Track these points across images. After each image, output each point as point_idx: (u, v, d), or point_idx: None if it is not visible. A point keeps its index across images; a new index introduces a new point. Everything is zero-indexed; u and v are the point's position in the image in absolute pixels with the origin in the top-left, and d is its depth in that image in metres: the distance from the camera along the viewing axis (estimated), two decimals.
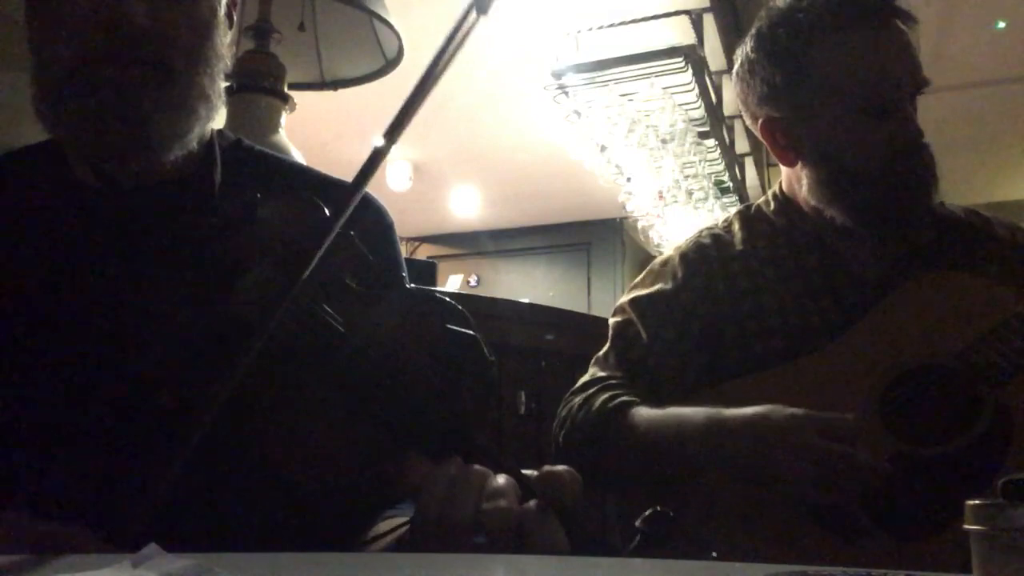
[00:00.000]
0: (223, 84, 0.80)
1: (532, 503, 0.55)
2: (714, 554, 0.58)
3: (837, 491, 0.93)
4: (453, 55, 0.55)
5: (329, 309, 0.58)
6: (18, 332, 0.71)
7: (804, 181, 1.15)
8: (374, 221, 0.87)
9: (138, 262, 0.75)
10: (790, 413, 0.96)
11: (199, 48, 0.76)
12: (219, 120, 0.84)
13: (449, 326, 0.59)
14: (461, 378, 0.59)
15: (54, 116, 0.74)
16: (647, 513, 0.56)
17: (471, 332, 0.60)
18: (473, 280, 6.20)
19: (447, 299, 0.63)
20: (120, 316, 0.70)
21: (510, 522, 0.54)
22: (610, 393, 1.11)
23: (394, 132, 0.57)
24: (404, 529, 0.63)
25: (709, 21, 2.94)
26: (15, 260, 0.74)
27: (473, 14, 0.55)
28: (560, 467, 0.57)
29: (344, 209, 0.57)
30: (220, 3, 0.79)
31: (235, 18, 0.85)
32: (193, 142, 0.78)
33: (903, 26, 1.09)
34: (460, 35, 0.55)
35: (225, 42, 0.80)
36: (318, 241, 0.56)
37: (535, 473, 0.57)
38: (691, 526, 1.02)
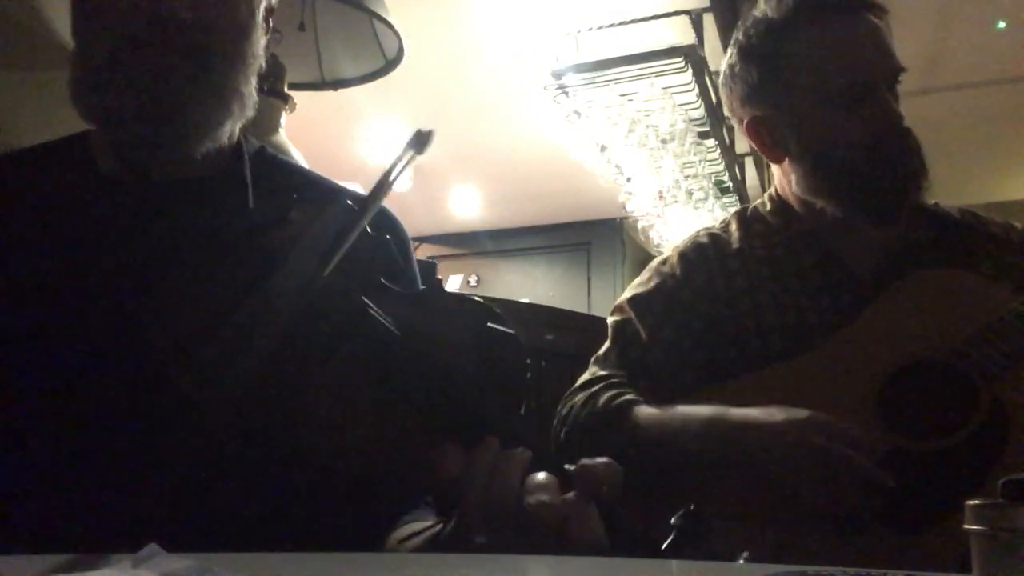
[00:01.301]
0: (255, 86, 0.81)
1: (572, 494, 0.55)
2: (745, 553, 0.58)
3: (836, 493, 0.93)
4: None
5: (372, 310, 0.59)
6: (40, 322, 0.72)
7: (793, 176, 1.17)
8: (389, 233, 0.88)
9: (167, 254, 0.75)
10: (794, 413, 0.96)
11: (237, 45, 0.77)
12: None
13: (490, 324, 0.61)
14: (501, 372, 0.60)
15: (92, 103, 0.75)
16: (682, 511, 0.57)
17: (510, 331, 0.61)
18: (473, 280, 6.20)
19: (484, 300, 0.65)
20: (144, 305, 0.71)
21: (552, 516, 0.54)
22: (613, 391, 1.11)
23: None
24: (436, 529, 0.64)
25: (709, 21, 2.93)
26: (39, 250, 0.75)
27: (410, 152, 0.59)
28: (599, 460, 0.57)
29: (372, 203, 0.59)
30: (259, 6, 0.81)
31: (271, 24, 0.86)
32: (224, 137, 0.79)
33: (873, 17, 1.11)
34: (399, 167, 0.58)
35: (261, 45, 0.82)
36: (350, 229, 0.58)
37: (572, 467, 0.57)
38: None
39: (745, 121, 1.20)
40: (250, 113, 0.81)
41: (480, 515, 0.55)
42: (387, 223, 0.88)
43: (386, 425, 0.57)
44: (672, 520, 0.56)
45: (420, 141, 0.60)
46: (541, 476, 0.56)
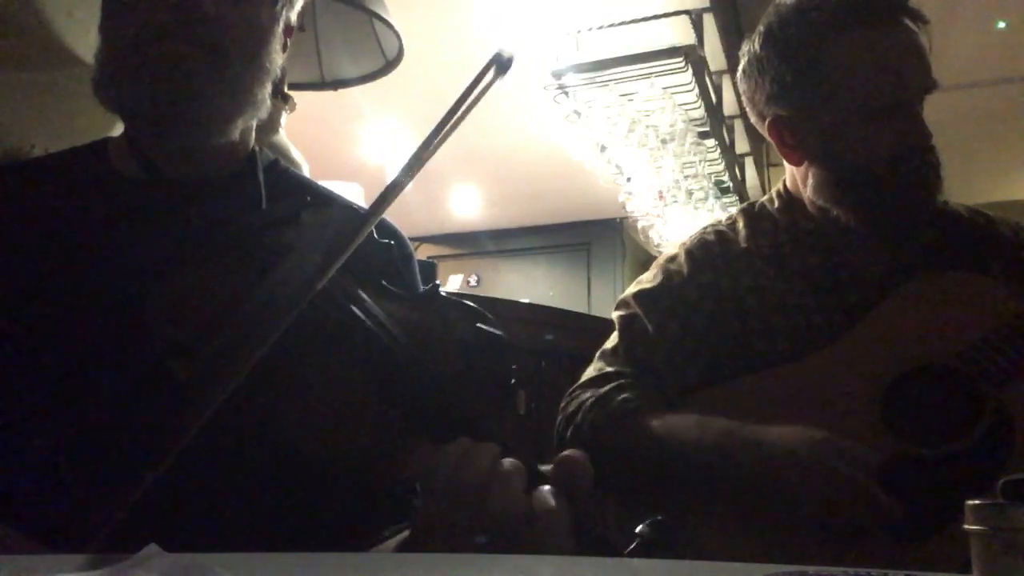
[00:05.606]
0: (268, 93, 0.84)
1: (544, 488, 0.54)
2: (658, 517, 0.57)
3: (845, 515, 0.92)
4: (471, 107, 0.59)
5: (367, 305, 0.60)
6: (49, 321, 0.73)
7: (810, 180, 1.15)
8: (394, 247, 0.89)
9: (178, 249, 0.76)
10: (811, 433, 0.95)
11: (254, 48, 0.81)
12: None
13: (479, 325, 0.62)
14: (483, 373, 0.61)
15: (111, 91, 0.77)
16: (649, 520, 0.56)
17: (499, 332, 0.62)
18: (473, 280, 6.20)
19: (478, 306, 0.66)
20: (154, 301, 0.71)
21: (518, 506, 0.53)
22: (625, 395, 1.10)
23: (412, 168, 0.61)
24: (406, 533, 0.64)
25: (709, 21, 2.94)
26: (56, 249, 0.76)
27: (492, 73, 0.59)
28: (576, 452, 0.56)
29: (379, 209, 0.61)
30: (280, 19, 0.84)
31: (288, 44, 0.89)
32: (234, 133, 0.82)
33: (913, 26, 1.09)
34: (479, 90, 0.59)
35: (278, 59, 0.85)
36: (353, 235, 0.59)
37: (548, 467, 0.57)
38: (691, 526, 1.02)
39: (768, 119, 1.16)
40: (262, 115, 0.84)
41: (443, 506, 0.54)
42: (389, 234, 0.90)
43: (373, 423, 0.57)
44: (637, 528, 0.55)
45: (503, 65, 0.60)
46: (507, 464, 0.55)
